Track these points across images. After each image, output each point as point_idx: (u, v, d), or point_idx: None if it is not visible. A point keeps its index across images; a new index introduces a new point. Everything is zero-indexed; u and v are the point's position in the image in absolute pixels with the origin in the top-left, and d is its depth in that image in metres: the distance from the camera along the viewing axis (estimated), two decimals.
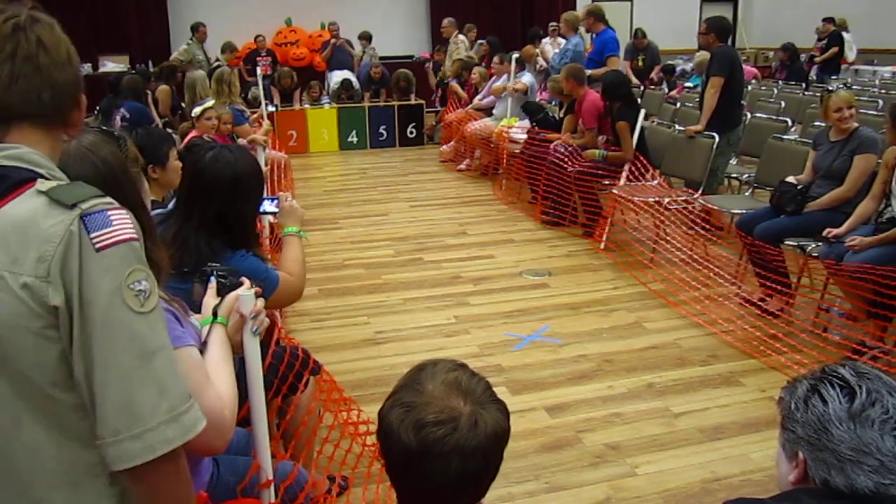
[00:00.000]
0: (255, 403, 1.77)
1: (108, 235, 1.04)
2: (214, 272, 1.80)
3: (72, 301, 1.02)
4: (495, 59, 9.08)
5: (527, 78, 8.45)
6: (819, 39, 12.05)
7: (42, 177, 1.09)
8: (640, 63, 10.72)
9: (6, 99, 1.10)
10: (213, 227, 2.32)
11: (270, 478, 1.81)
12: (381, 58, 12.31)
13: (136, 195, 1.63)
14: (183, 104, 8.96)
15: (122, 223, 1.06)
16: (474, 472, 1.24)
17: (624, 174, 6.06)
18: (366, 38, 12.08)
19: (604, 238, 5.84)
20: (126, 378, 1.03)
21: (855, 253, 3.80)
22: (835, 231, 4.01)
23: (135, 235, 1.08)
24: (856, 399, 1.26)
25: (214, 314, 1.71)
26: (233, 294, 1.73)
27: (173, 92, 8.55)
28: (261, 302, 1.74)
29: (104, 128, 1.72)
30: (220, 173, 2.35)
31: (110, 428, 1.03)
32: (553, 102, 8.72)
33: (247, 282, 1.77)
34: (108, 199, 1.08)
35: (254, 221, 2.56)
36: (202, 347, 1.61)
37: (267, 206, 2.64)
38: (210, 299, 1.76)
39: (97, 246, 1.03)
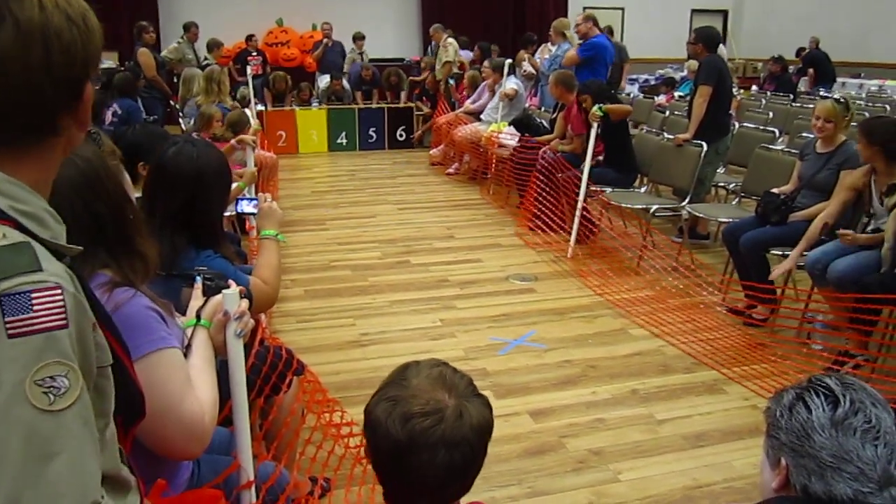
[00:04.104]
0: (237, 405, 1.75)
1: (25, 322, 0.92)
2: (201, 274, 1.79)
3: None
4: (485, 64, 9.11)
5: (513, 82, 8.42)
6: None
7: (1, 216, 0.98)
8: None
9: None
10: (176, 224, 2.22)
11: (252, 479, 1.80)
12: (372, 60, 12.31)
13: (120, 190, 1.60)
14: (172, 102, 8.94)
15: (45, 309, 0.94)
16: (461, 464, 1.27)
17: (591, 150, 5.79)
18: (360, 38, 12.18)
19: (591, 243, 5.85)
20: (16, 476, 0.93)
21: (841, 257, 3.82)
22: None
23: (59, 324, 0.95)
24: (839, 408, 1.28)
25: (198, 317, 1.69)
26: (217, 297, 1.71)
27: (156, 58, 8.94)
28: (245, 302, 1.72)
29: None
30: (182, 168, 2.26)
31: None
32: (543, 108, 8.74)
33: (233, 284, 1.75)
34: (39, 279, 0.95)
35: (220, 220, 2.45)
36: (185, 350, 1.60)
37: (245, 206, 2.57)
38: (195, 301, 1.74)
39: (9, 332, 0.92)
